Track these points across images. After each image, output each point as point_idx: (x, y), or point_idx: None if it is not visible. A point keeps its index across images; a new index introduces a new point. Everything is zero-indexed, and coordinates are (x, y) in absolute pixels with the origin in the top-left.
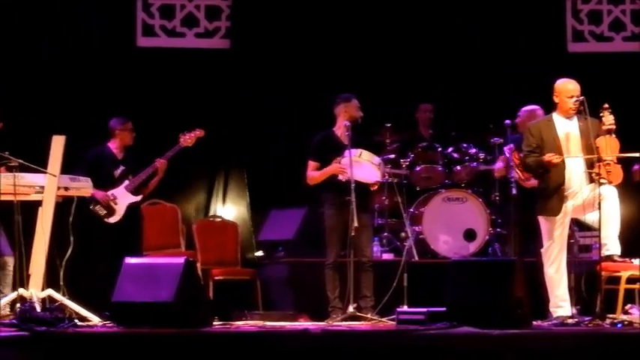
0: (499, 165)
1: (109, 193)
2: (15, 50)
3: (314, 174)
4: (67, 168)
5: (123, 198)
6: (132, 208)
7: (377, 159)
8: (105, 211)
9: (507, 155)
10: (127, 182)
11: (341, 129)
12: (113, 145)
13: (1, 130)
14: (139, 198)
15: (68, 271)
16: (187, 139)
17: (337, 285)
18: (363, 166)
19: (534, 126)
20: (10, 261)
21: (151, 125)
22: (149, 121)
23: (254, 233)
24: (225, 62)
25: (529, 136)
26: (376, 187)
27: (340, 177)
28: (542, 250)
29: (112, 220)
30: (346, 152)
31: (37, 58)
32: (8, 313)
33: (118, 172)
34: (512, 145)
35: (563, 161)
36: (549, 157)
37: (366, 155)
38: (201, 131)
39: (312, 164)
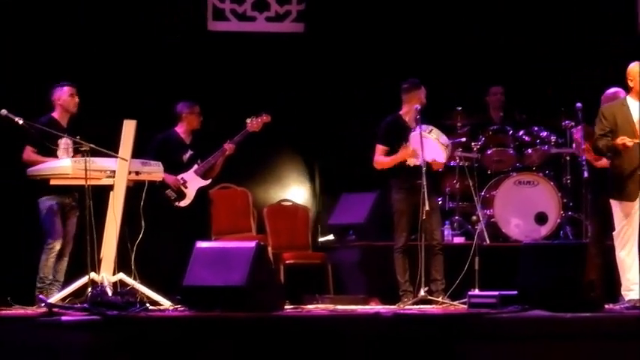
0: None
1: (179, 177)
2: (87, 34)
3: (382, 159)
4: (136, 153)
5: (193, 182)
6: (201, 192)
7: (445, 139)
8: (176, 195)
9: (576, 136)
10: (195, 166)
11: (409, 113)
12: (180, 130)
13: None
14: (208, 182)
15: (139, 256)
16: (254, 124)
17: (407, 269)
18: (430, 144)
19: (608, 109)
20: (58, 245)
21: (222, 109)
22: (220, 105)
23: (325, 217)
24: (296, 46)
25: (602, 120)
26: (439, 167)
27: (409, 162)
28: (614, 234)
29: (183, 204)
30: (416, 129)
31: (109, 42)
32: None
33: (186, 156)
34: (581, 126)
35: (637, 144)
36: (622, 139)
37: (435, 133)
38: (267, 116)
39: (380, 148)
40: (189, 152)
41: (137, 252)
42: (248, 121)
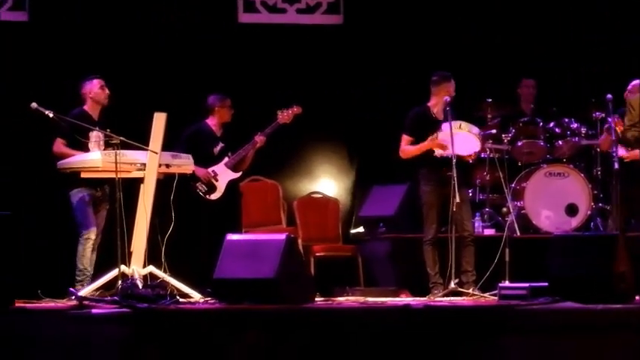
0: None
1: (210, 170)
2: (116, 27)
3: (408, 148)
4: (167, 145)
5: (223, 175)
6: (231, 185)
7: (476, 129)
8: (206, 188)
9: (611, 126)
10: (226, 159)
11: (438, 105)
12: (212, 122)
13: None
14: (238, 175)
15: (169, 248)
16: (285, 116)
17: (437, 261)
18: (463, 137)
19: (635, 100)
20: (93, 235)
21: (253, 101)
22: (251, 97)
23: (356, 210)
24: (327, 37)
25: (630, 110)
26: (472, 159)
27: (436, 153)
28: None
29: (213, 197)
30: (444, 125)
31: (138, 34)
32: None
33: (217, 149)
34: (616, 116)
35: None
36: None
37: (465, 126)
38: (298, 108)
39: (405, 139)
40: (220, 145)
41: (167, 245)
42: (279, 112)
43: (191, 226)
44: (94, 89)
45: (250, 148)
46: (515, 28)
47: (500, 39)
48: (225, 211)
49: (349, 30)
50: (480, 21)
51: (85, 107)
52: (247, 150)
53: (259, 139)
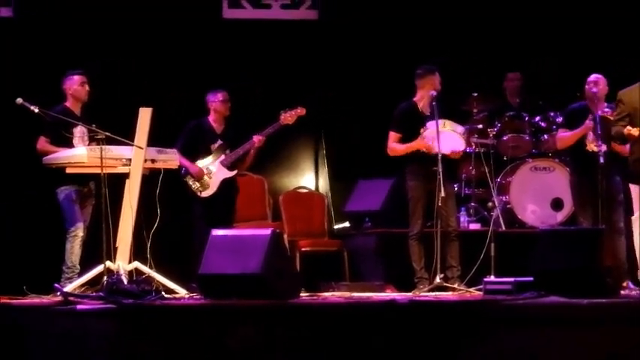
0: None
1: (204, 167)
2: (101, 21)
3: (396, 146)
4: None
5: (218, 172)
6: (227, 182)
7: (461, 128)
8: (198, 185)
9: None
10: (222, 157)
11: (423, 100)
12: (212, 118)
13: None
14: (233, 173)
15: (155, 244)
16: (288, 116)
17: (422, 255)
18: (447, 136)
19: (626, 94)
20: (80, 232)
21: (246, 99)
22: (238, 93)
23: (339, 205)
24: (311, 33)
25: (620, 105)
26: (458, 156)
27: (424, 151)
28: (632, 218)
29: (205, 194)
30: (430, 123)
31: (123, 29)
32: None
33: (215, 146)
34: (608, 111)
35: None
36: (628, 130)
37: (449, 125)
38: (302, 109)
39: (393, 135)
40: (219, 142)
41: (153, 240)
42: (282, 113)
43: (181, 221)
44: (74, 86)
45: (248, 148)
46: (502, 20)
47: (486, 32)
48: (218, 208)
49: (325, 25)
50: (465, 14)
51: (67, 103)
52: (245, 149)
53: (257, 138)
